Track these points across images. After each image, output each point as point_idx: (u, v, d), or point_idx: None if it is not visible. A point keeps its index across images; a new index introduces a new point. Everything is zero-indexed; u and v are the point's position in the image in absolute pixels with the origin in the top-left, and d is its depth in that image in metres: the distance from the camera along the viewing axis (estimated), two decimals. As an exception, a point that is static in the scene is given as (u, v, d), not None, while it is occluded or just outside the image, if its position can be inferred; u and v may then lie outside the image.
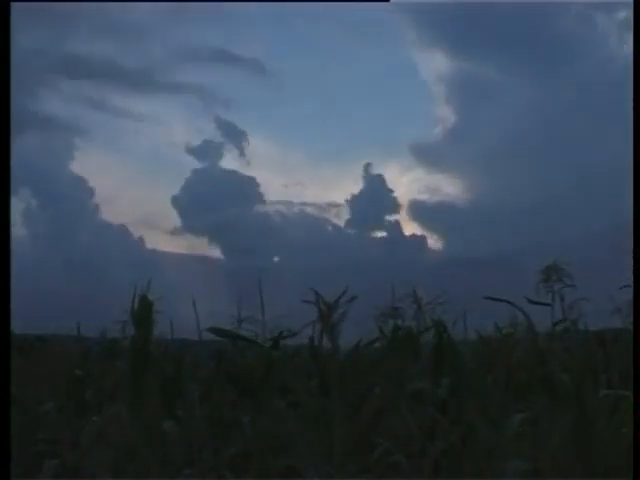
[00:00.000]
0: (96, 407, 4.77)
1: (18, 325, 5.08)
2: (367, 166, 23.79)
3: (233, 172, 24.20)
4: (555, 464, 3.52)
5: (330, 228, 22.09)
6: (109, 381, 5.29)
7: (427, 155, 24.42)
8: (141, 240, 22.84)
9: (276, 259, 22.13)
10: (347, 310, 4.24)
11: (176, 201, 24.03)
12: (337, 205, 23.28)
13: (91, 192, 23.23)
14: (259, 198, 25.27)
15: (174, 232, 25.34)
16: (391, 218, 22.46)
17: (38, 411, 4.97)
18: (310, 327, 4.45)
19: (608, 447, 3.53)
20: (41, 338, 6.65)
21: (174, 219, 24.48)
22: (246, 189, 24.13)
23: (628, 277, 3.33)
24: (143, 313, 4.24)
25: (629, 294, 3.60)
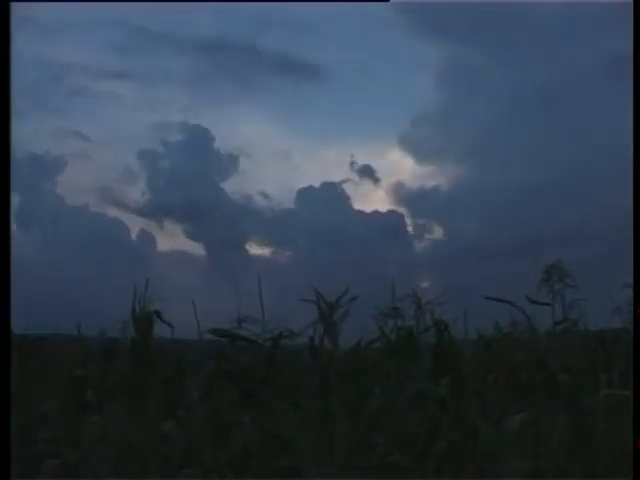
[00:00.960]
0: (96, 407, 4.77)
1: (19, 325, 5.08)
2: (357, 156, 23.16)
3: (210, 148, 21.71)
4: (555, 464, 3.52)
5: (322, 219, 21.28)
6: (109, 381, 5.29)
7: (420, 145, 23.95)
8: (125, 227, 20.90)
9: (270, 250, 21.41)
10: (349, 309, 4.24)
11: (141, 178, 21.81)
12: (328, 195, 22.21)
13: (47, 168, 20.66)
14: (241, 184, 23.31)
15: (147, 216, 22.99)
16: (386, 209, 21.67)
17: (38, 411, 4.97)
18: (312, 325, 4.45)
19: (608, 447, 3.54)
20: (42, 338, 6.64)
21: (139, 198, 21.90)
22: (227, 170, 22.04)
23: (629, 276, 3.33)
24: (143, 315, 4.26)
25: (629, 294, 3.60)
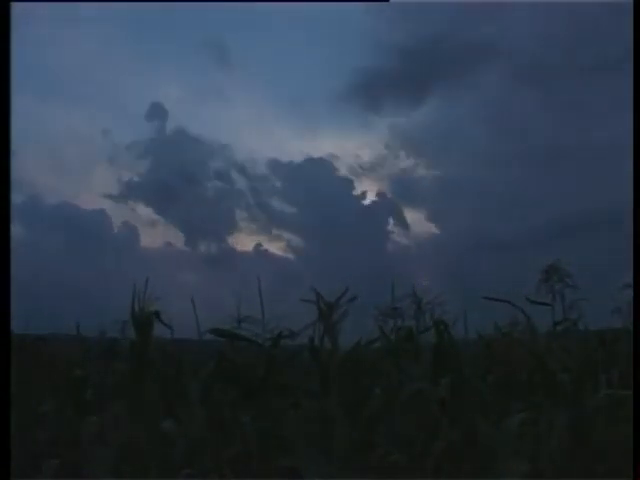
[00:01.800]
0: (96, 407, 4.77)
1: (18, 325, 5.08)
2: (348, 145, 22.80)
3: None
4: (555, 464, 3.52)
5: (311, 206, 20.66)
6: (109, 381, 5.29)
7: (412, 137, 23.75)
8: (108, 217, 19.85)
9: (258, 240, 20.81)
10: (348, 309, 4.25)
11: (110, 161, 20.44)
12: (316, 181, 21.37)
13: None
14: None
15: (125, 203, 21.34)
16: (379, 199, 21.11)
17: (38, 411, 4.97)
18: (312, 325, 4.45)
19: (608, 447, 3.54)
20: (41, 338, 6.65)
21: (112, 182, 20.36)
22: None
23: (629, 276, 3.33)
24: (143, 315, 4.26)
25: (629, 293, 3.60)
